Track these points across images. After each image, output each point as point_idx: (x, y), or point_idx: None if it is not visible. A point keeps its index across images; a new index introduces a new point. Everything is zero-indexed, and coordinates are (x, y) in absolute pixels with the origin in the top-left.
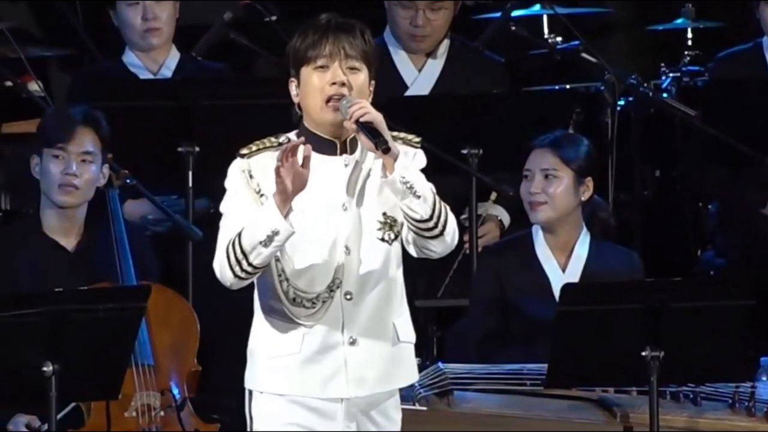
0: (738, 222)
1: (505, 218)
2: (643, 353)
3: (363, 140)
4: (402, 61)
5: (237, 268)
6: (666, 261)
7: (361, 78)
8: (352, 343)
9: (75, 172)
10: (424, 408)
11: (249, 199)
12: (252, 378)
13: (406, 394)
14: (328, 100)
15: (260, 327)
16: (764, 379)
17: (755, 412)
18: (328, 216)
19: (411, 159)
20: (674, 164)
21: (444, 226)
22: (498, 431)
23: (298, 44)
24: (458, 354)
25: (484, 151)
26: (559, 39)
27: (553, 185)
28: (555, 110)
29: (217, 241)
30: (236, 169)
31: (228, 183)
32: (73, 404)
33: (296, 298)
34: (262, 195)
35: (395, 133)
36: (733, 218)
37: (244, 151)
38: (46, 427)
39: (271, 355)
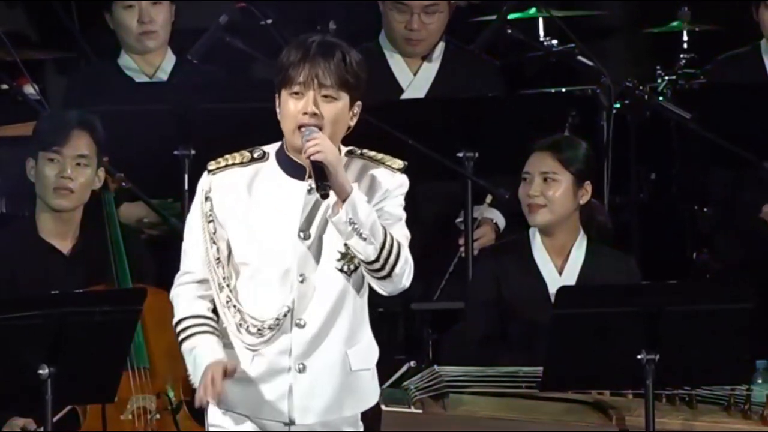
0: (736, 224)
1: (501, 221)
2: (639, 356)
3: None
4: (397, 64)
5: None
6: (661, 264)
7: (338, 107)
8: (300, 370)
9: (70, 175)
10: (420, 411)
11: (199, 232)
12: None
13: (401, 397)
14: (299, 127)
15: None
16: (760, 382)
17: (751, 414)
18: (284, 243)
19: (382, 190)
20: (670, 167)
21: (392, 268)
22: None
23: (281, 62)
24: (454, 356)
25: (480, 154)
26: (554, 42)
27: (552, 188)
28: (551, 113)
29: (177, 273)
30: (199, 185)
31: (194, 198)
32: (68, 407)
33: (242, 324)
34: (211, 221)
35: (380, 157)
36: (730, 221)
37: (212, 165)
38: (41, 430)
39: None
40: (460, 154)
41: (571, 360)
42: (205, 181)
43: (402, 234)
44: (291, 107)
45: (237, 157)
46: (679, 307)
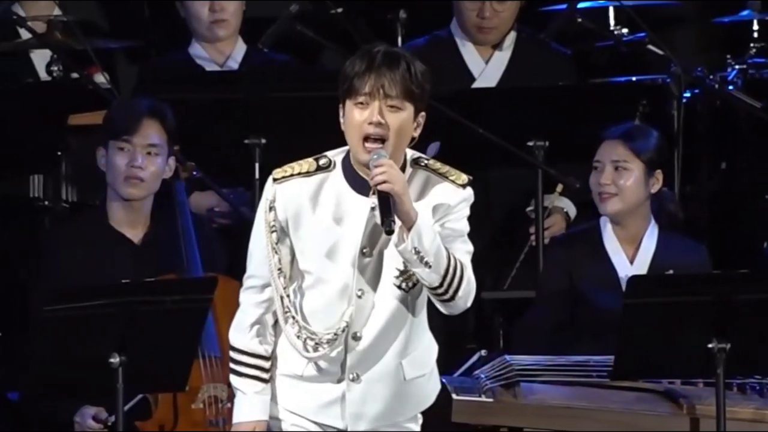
0: None
1: (571, 210)
2: (710, 345)
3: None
4: (469, 53)
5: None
6: (731, 253)
7: (403, 117)
8: (354, 379)
9: (141, 164)
10: (491, 399)
11: (263, 240)
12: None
13: (472, 386)
14: (365, 139)
15: (278, 342)
16: None
17: None
18: (345, 258)
19: (445, 206)
20: (740, 156)
21: (455, 292)
22: (564, 423)
23: (346, 72)
24: (525, 345)
25: (550, 144)
26: (625, 31)
27: (623, 177)
28: (621, 102)
29: (249, 253)
30: (264, 193)
31: (259, 206)
32: (140, 396)
33: (300, 336)
34: (274, 231)
35: (445, 170)
36: None
37: (277, 174)
38: (113, 418)
39: (279, 370)
40: (531, 143)
41: (641, 349)
42: (269, 189)
43: (464, 250)
44: (356, 117)
45: (303, 165)
46: (750, 296)
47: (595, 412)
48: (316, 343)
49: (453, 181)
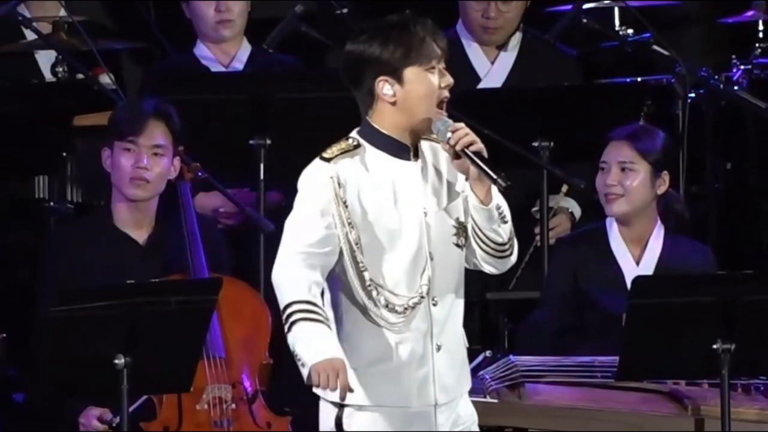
0: None
1: (576, 211)
2: (715, 346)
3: (462, 166)
4: (475, 53)
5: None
6: (737, 253)
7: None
8: (438, 349)
9: (146, 165)
10: (496, 400)
11: (320, 210)
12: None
13: (477, 387)
14: (440, 104)
15: (346, 338)
16: None
17: None
18: (411, 222)
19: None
20: (746, 157)
21: (512, 247)
22: (569, 423)
23: (407, 42)
24: (530, 346)
25: (556, 144)
26: (630, 31)
27: (630, 178)
28: (626, 103)
29: (281, 242)
30: (322, 174)
31: (307, 185)
32: (144, 397)
33: (388, 304)
34: (345, 206)
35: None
36: None
37: (327, 155)
38: (117, 419)
39: (361, 366)
40: (536, 144)
41: (646, 350)
42: (327, 168)
43: None
44: (434, 81)
45: (342, 145)
46: (755, 297)
47: (599, 413)
48: (404, 308)
49: None
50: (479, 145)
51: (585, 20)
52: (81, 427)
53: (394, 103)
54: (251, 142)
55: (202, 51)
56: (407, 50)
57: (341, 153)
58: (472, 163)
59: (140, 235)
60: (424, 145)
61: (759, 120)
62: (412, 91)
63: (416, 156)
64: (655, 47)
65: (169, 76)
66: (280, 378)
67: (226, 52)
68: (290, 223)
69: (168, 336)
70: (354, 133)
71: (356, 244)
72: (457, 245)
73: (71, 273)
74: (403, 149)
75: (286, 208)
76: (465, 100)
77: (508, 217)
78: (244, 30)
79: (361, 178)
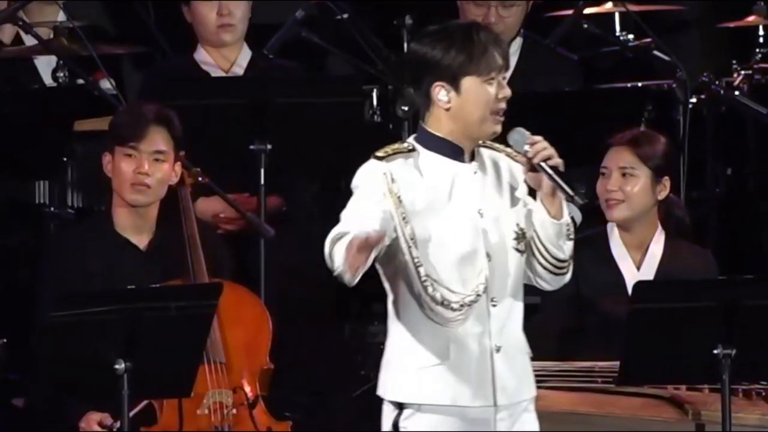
0: None
1: (577, 215)
2: (716, 351)
3: (536, 179)
4: None
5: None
6: (738, 258)
7: None
8: (497, 350)
9: (147, 171)
10: None
11: (376, 201)
12: (399, 389)
13: None
14: (495, 113)
15: (402, 337)
16: None
17: None
18: (467, 223)
19: (520, 178)
20: (746, 162)
21: (571, 265)
22: (569, 428)
23: (468, 50)
24: (531, 351)
25: (556, 149)
26: (630, 36)
27: (630, 183)
28: (627, 108)
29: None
30: (376, 171)
31: (361, 181)
32: (145, 402)
33: (444, 301)
34: (401, 202)
35: (501, 147)
36: None
37: (381, 153)
38: (118, 424)
39: (420, 365)
40: None
41: (647, 355)
42: (380, 165)
43: None
44: (491, 92)
45: (396, 146)
46: (756, 302)
47: (600, 418)
48: (461, 305)
49: (509, 154)
50: (557, 160)
51: (585, 25)
52: (81, 431)
53: (448, 110)
54: (252, 147)
55: (203, 56)
56: (468, 58)
57: (394, 153)
58: (548, 177)
59: (141, 240)
60: (483, 152)
61: (759, 125)
62: (468, 100)
63: (472, 159)
64: (656, 52)
65: (169, 81)
66: (280, 383)
67: (226, 58)
68: (346, 212)
69: (168, 341)
70: (410, 139)
71: (411, 239)
72: (517, 250)
73: (71, 278)
74: (459, 152)
75: (287, 213)
76: None
77: (573, 234)
78: (245, 35)
79: (414, 177)
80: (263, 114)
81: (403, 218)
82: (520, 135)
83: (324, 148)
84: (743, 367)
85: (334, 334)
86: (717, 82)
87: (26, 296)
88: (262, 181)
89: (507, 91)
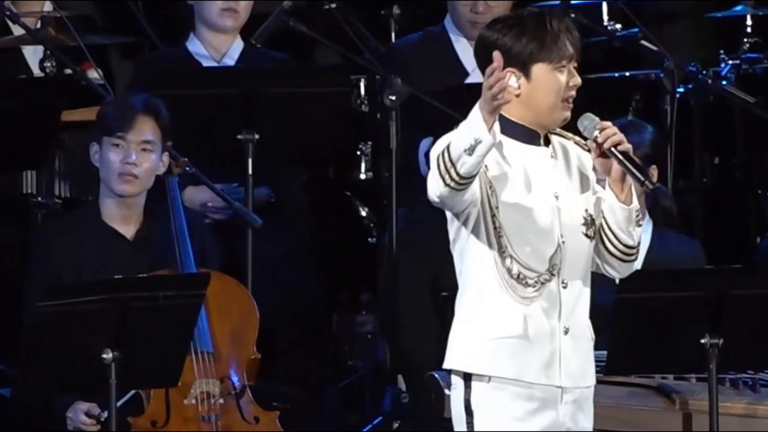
0: None
1: None
2: (703, 340)
3: (605, 165)
4: (463, 48)
5: (447, 177)
6: (725, 248)
7: None
8: (566, 332)
9: (135, 161)
10: None
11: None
12: (468, 360)
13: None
14: (565, 100)
15: (475, 307)
16: None
17: None
18: (544, 202)
19: (590, 167)
20: (734, 151)
21: (638, 252)
22: None
23: (541, 36)
24: None
25: None
26: (618, 26)
27: None
28: (614, 98)
29: (430, 164)
30: None
31: (443, 143)
32: (132, 392)
33: (520, 275)
34: (487, 168)
35: (569, 135)
36: None
37: None
38: (105, 414)
39: (493, 336)
40: None
41: (634, 344)
42: None
43: None
44: (563, 80)
45: None
46: (743, 291)
47: None
48: (535, 281)
49: (583, 146)
50: (627, 145)
51: (573, 15)
52: (69, 421)
53: (518, 96)
54: (239, 137)
55: (195, 46)
56: (540, 46)
57: None
58: (619, 162)
59: (128, 230)
60: (554, 139)
61: (747, 115)
62: (538, 88)
63: (546, 143)
64: (643, 42)
65: (159, 70)
66: (267, 373)
67: (218, 48)
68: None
69: (156, 331)
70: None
71: (496, 207)
72: (587, 235)
73: (59, 268)
74: (534, 135)
75: (274, 203)
76: (453, 95)
77: (642, 221)
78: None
79: (496, 155)
80: (251, 104)
81: (490, 186)
82: (589, 121)
83: (311, 137)
84: (730, 356)
85: (322, 324)
86: (704, 72)
87: (13, 287)
88: (250, 171)
89: (577, 79)
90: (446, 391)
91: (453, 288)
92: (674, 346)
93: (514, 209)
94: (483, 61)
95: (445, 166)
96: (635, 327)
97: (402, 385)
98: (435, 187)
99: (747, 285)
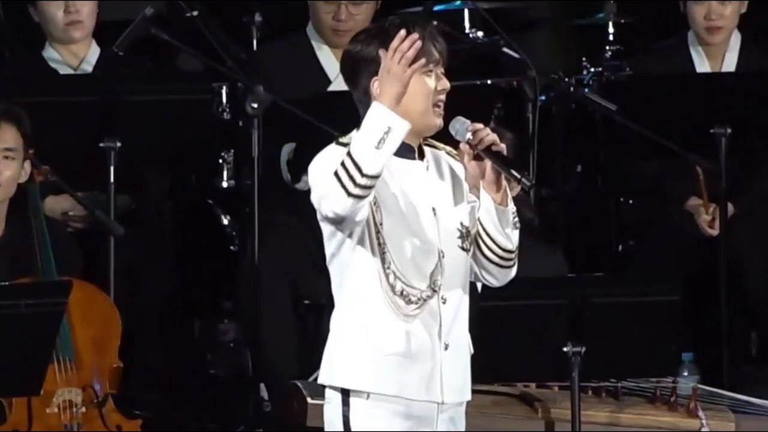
0: (661, 216)
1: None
2: (565, 348)
3: (479, 167)
4: (325, 55)
5: (351, 185)
6: (587, 255)
7: None
8: (446, 348)
9: None
10: None
11: None
12: (346, 375)
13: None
14: (435, 105)
15: (357, 322)
16: (686, 374)
17: (677, 407)
18: (423, 218)
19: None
20: (596, 159)
21: (516, 258)
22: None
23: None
24: None
25: None
26: (480, 33)
27: None
28: (476, 105)
29: (317, 182)
30: (338, 154)
31: (331, 161)
32: None
33: (403, 291)
34: None
35: (440, 145)
36: (655, 213)
37: (344, 140)
38: None
39: (375, 352)
40: None
41: (496, 352)
42: (343, 150)
43: None
44: (431, 84)
45: (345, 140)
46: (604, 299)
47: None
48: (417, 298)
49: (455, 155)
50: (502, 145)
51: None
52: None
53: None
54: (101, 144)
55: (51, 53)
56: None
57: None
58: (495, 162)
59: None
60: (427, 151)
61: (609, 122)
62: (408, 94)
63: (421, 156)
64: (505, 49)
65: (17, 79)
66: (130, 381)
67: (75, 55)
68: (319, 168)
69: (17, 339)
70: (354, 133)
71: (380, 224)
72: (462, 248)
73: None
74: (409, 149)
75: (136, 210)
76: (316, 103)
77: (519, 224)
78: (93, 32)
79: None
80: (112, 111)
81: (374, 202)
82: (461, 124)
83: (173, 144)
84: (592, 364)
85: (184, 332)
86: (567, 80)
87: None
88: (112, 179)
89: (446, 83)
90: (309, 400)
91: (314, 297)
92: (536, 354)
93: (397, 225)
94: (350, 75)
95: (348, 174)
96: (497, 335)
97: (264, 393)
98: (335, 203)
99: (608, 293)
